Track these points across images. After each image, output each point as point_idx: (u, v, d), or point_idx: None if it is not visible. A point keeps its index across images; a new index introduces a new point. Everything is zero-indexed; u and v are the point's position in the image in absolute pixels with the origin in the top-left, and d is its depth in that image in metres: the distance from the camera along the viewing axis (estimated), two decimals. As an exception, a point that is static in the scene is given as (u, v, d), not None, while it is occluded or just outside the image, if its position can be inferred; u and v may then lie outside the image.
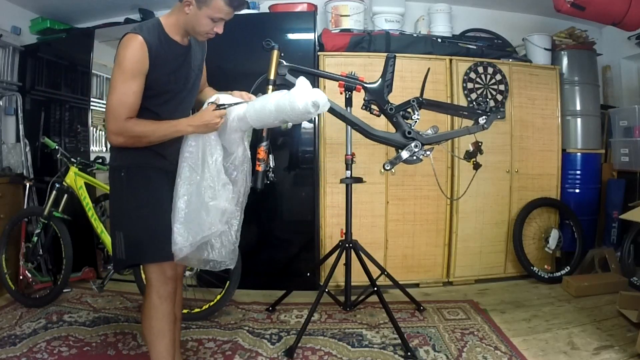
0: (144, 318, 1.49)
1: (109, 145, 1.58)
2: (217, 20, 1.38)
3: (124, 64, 1.33)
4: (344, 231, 2.24)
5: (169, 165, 1.51)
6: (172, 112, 1.47)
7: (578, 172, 3.13)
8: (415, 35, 3.03)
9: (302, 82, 1.40)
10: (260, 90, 1.77)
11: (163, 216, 1.46)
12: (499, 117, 2.01)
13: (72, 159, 2.54)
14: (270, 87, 1.75)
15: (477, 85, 2.93)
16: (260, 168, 1.72)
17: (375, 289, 2.16)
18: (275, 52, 1.80)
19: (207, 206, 1.40)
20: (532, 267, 2.93)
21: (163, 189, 1.50)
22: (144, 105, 1.39)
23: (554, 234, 3.03)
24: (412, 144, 1.87)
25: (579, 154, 3.14)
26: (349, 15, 2.95)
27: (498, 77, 2.96)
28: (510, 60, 3.06)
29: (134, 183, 1.46)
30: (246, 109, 1.43)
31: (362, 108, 1.99)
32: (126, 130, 1.36)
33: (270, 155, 2.07)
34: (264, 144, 1.74)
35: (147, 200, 1.46)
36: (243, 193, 1.55)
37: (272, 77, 1.77)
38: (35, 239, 2.55)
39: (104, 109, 3.81)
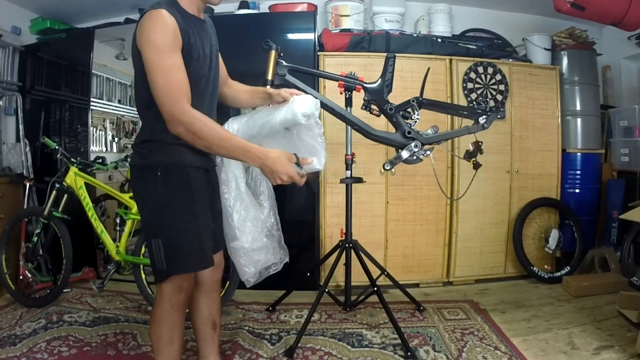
0: (152, 325, 1.41)
1: (138, 139, 1.40)
2: None
3: (157, 40, 1.20)
4: (344, 231, 2.24)
5: (207, 163, 1.44)
6: (201, 101, 1.36)
7: (578, 172, 3.13)
8: (415, 35, 3.02)
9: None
10: None
11: (205, 220, 1.40)
12: (499, 116, 2.00)
13: (72, 159, 2.55)
14: (269, 87, 1.75)
15: (477, 85, 2.93)
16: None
17: (375, 289, 2.16)
18: (273, 53, 1.79)
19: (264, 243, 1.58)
20: (532, 267, 2.93)
21: (203, 189, 1.42)
22: None
23: (554, 234, 3.02)
24: (412, 144, 1.86)
25: (579, 154, 3.14)
26: (349, 15, 2.95)
27: (498, 77, 2.96)
28: (510, 60, 3.06)
29: (173, 184, 1.33)
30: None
31: (362, 108, 1.98)
32: (187, 119, 1.21)
33: None
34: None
35: (189, 203, 1.35)
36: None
37: (269, 77, 1.77)
38: (35, 239, 2.55)
39: (103, 109, 3.79)
